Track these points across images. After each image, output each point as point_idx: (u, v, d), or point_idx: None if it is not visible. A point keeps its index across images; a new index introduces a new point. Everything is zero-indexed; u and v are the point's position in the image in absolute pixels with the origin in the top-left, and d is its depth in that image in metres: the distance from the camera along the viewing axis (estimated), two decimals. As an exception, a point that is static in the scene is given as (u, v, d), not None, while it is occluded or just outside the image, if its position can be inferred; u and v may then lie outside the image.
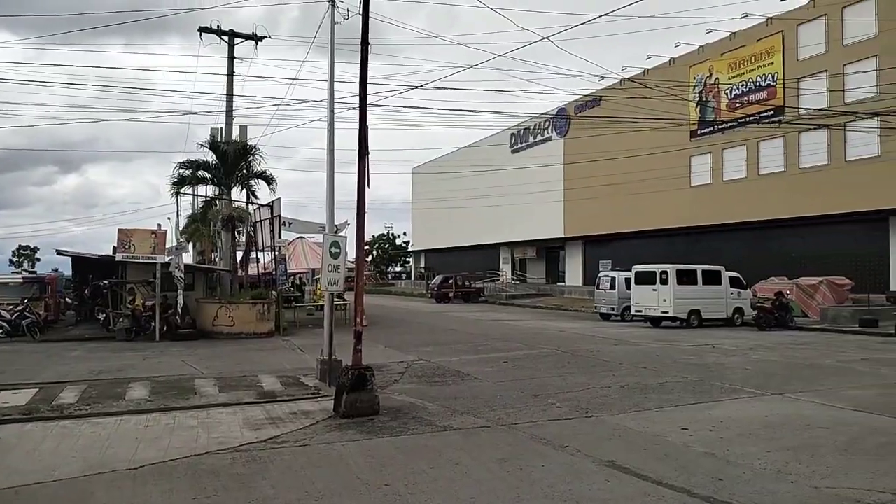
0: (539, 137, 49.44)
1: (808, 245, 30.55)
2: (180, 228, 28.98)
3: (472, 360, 15.05)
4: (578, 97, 39.07)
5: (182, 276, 19.78)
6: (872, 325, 22.04)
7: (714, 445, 7.50)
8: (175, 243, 24.06)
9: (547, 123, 47.15)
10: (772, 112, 30.38)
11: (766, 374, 12.79)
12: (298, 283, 36.04)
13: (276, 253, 23.05)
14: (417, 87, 42.31)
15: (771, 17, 30.36)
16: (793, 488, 6.06)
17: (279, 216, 22.68)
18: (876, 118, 24.91)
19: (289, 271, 27.12)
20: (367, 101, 9.84)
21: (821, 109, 26.62)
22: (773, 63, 31.42)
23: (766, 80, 31.79)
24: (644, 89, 28.68)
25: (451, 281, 44.46)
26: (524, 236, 50.69)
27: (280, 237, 23.10)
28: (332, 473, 6.63)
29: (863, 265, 27.96)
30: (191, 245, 28.48)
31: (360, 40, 9.75)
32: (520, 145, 51.75)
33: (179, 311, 19.92)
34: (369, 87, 9.96)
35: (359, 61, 9.77)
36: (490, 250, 55.95)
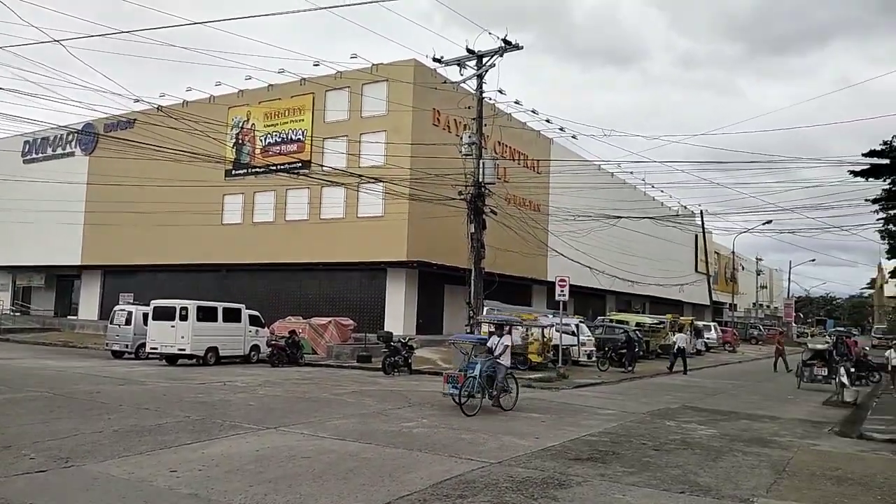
0: (60, 151, 43.99)
1: (324, 288, 33.85)
2: None
3: (-74, 409, 12.13)
4: (109, 116, 36.08)
5: None
6: (367, 361, 25.45)
7: (200, 485, 7.47)
8: None
9: (71, 137, 42.27)
10: (300, 164, 33.03)
11: (268, 409, 13.46)
12: None
13: None
14: None
15: (304, 78, 33.24)
16: (263, 519, 6.41)
17: None
18: (380, 183, 29.18)
19: None
20: None
21: (338, 169, 29.99)
22: (303, 120, 34.35)
23: (297, 134, 34.50)
24: (182, 122, 28.08)
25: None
26: (31, 261, 44.00)
27: None
28: None
29: (365, 308, 32.26)
30: None
31: None
32: (35, 156, 45.16)
33: None
34: None
35: None
36: (-16, 274, 46.82)
